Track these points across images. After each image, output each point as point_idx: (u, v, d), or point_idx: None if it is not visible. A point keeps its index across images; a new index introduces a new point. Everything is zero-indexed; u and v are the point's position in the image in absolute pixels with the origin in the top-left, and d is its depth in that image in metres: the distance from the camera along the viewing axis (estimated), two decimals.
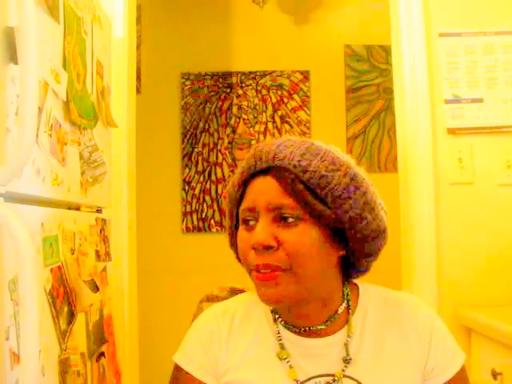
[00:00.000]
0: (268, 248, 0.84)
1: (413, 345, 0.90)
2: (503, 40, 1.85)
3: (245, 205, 0.89)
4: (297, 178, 0.85)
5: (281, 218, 0.85)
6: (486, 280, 1.79)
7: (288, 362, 0.90)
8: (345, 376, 0.88)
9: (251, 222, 0.88)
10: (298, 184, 0.85)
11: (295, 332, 0.92)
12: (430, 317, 0.94)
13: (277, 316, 0.94)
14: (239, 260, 0.98)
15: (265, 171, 0.88)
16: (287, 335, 0.92)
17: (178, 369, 0.96)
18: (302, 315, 0.91)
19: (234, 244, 0.96)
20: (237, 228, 0.93)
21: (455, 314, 1.75)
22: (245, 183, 0.91)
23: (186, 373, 0.94)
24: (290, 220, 0.85)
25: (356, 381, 0.87)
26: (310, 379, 0.88)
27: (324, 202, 0.85)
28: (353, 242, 0.88)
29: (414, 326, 0.91)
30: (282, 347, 0.91)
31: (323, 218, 0.85)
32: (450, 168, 1.84)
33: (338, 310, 0.92)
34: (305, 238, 0.84)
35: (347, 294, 0.94)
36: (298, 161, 0.86)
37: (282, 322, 0.93)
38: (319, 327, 0.90)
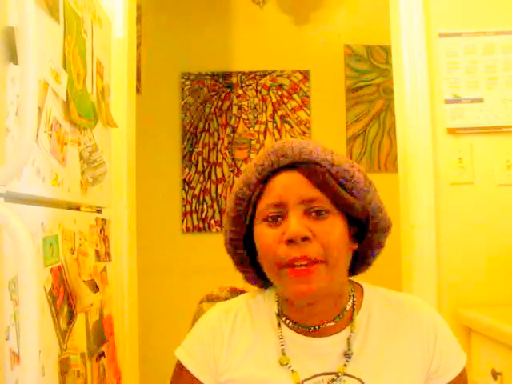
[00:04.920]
0: (305, 239, 0.84)
1: (416, 346, 0.90)
2: (503, 40, 1.85)
3: (269, 201, 0.89)
4: (327, 171, 0.88)
5: (311, 212, 0.86)
6: (486, 280, 1.79)
7: (290, 367, 0.90)
8: (346, 374, 0.88)
9: (279, 218, 0.87)
10: (329, 177, 0.88)
11: (302, 332, 0.92)
12: (434, 318, 0.94)
13: (284, 318, 0.94)
14: (238, 267, 0.98)
15: (288, 167, 0.89)
16: (293, 336, 0.92)
17: (178, 363, 0.96)
18: (314, 313, 0.90)
19: (233, 251, 0.96)
20: (247, 229, 0.92)
21: (455, 314, 1.75)
22: (263, 181, 0.91)
23: (183, 367, 0.95)
24: (323, 213, 0.86)
25: (358, 379, 0.87)
26: (313, 377, 0.89)
27: (350, 193, 0.89)
28: (372, 233, 0.92)
29: (418, 328, 0.92)
30: (284, 353, 0.91)
31: (351, 209, 0.88)
32: (449, 168, 1.84)
33: (345, 307, 0.92)
34: (335, 229, 0.87)
35: (352, 293, 0.95)
36: (324, 155, 0.89)
37: (290, 324, 0.93)
38: (328, 324, 0.91)
